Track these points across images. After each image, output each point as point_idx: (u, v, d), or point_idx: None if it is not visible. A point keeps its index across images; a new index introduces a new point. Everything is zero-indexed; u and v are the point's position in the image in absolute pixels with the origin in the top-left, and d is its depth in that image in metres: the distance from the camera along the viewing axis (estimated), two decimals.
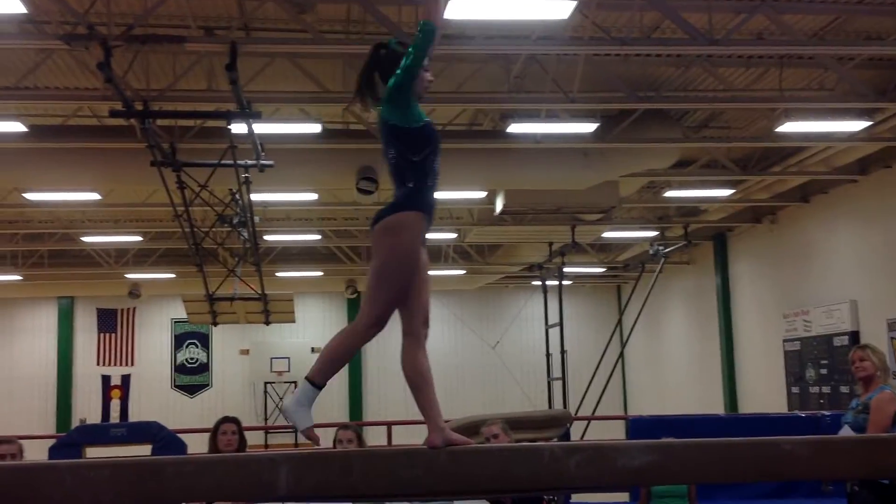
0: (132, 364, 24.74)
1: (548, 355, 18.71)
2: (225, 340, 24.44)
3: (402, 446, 3.79)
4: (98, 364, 24.60)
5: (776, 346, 16.97)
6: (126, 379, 24.63)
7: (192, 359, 25.06)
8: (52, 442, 10.77)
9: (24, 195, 14.22)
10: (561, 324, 17.50)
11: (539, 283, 19.89)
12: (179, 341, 25.04)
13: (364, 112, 3.63)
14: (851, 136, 12.37)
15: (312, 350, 24.64)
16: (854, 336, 14.35)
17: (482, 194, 15.28)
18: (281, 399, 24.14)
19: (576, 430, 13.56)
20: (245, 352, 24.25)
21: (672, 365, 22.53)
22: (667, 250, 18.02)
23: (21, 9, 8.08)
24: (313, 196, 15.18)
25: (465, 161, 12.78)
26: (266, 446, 21.60)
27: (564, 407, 16.69)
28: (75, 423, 21.61)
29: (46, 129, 12.03)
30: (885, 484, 5.59)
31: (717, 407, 18.99)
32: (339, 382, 25.05)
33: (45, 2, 8.95)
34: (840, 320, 14.97)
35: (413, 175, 3.58)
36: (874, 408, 5.87)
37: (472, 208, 17.04)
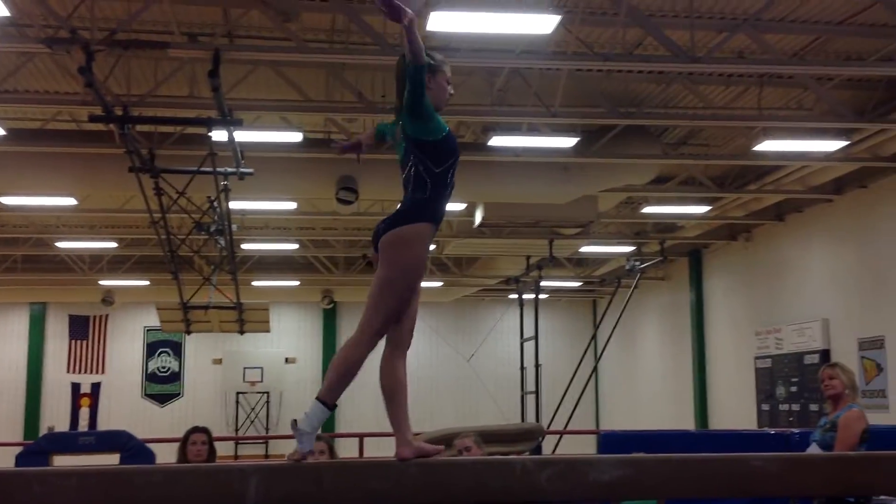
0: (103, 372, 24.49)
1: (522, 369, 18.72)
2: (197, 349, 24.26)
3: (374, 458, 3.77)
4: (68, 371, 24.33)
5: (748, 363, 17.10)
6: (96, 387, 24.38)
7: (163, 367, 24.85)
8: (19, 449, 10.63)
9: (0, 199, 14.07)
10: (536, 337, 17.52)
11: (515, 296, 19.93)
12: (151, 349, 24.82)
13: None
14: (828, 156, 12.52)
15: (287, 360, 24.57)
16: (825, 354, 14.48)
17: (461, 206, 15.29)
18: (252, 409, 24.00)
19: (548, 443, 13.58)
20: (218, 361, 24.09)
21: (645, 380, 22.62)
22: (643, 266, 18.12)
23: (4, 11, 8.02)
24: (292, 205, 15.13)
25: None
26: (237, 457, 21.46)
27: (537, 421, 16.69)
28: (43, 431, 21.37)
29: (25, 133, 11.93)
30: (851, 502, 5.62)
31: (688, 422, 19.08)
32: (312, 393, 24.72)
33: (27, 5, 8.88)
34: (811, 338, 15.10)
35: (431, 185, 3.57)
36: (842, 426, 5.89)
37: (451, 220, 17.04)
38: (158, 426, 22.29)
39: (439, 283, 21.94)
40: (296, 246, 19.09)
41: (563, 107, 10.77)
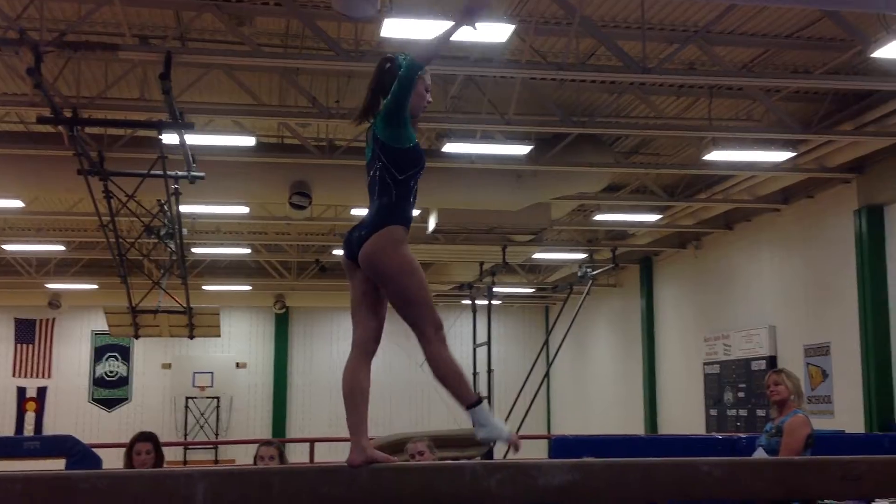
0: (49, 376, 24.06)
1: (475, 374, 18.75)
2: (146, 354, 23.96)
3: (325, 463, 3.76)
4: (13, 375, 23.85)
5: (696, 369, 17.32)
6: (42, 391, 23.94)
7: (111, 372, 24.49)
8: None
9: None
10: (489, 343, 17.57)
11: (468, 302, 19.96)
12: (99, 354, 24.45)
13: (356, 125, 3.56)
14: (776, 167, 12.74)
15: (237, 365, 24.36)
16: (772, 360, 14.71)
17: (415, 212, 15.30)
18: (202, 414, 23.75)
19: (500, 448, 13.63)
20: (167, 366, 23.81)
21: (596, 385, 22.81)
22: (594, 273, 18.24)
23: None
24: (244, 209, 15.02)
25: None
26: (185, 462, 21.23)
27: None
28: None
29: None
30: None
31: (638, 427, 19.27)
32: (262, 398, 24.77)
33: None
34: (759, 345, 15.35)
35: (395, 191, 3.57)
36: (787, 431, 5.97)
37: None
38: (106, 431, 21.96)
39: None
40: (248, 250, 18.96)
41: (516, 115, 10.85)
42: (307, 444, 14.23)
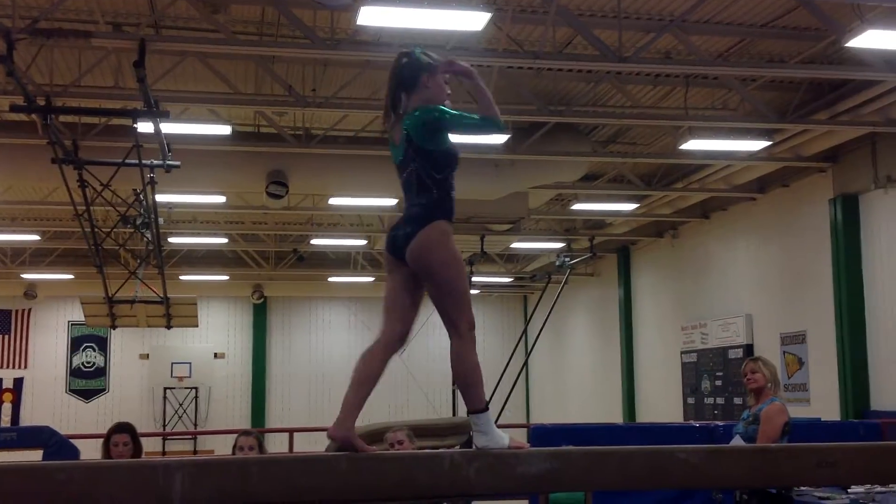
0: (25, 367, 23.87)
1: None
2: (124, 344, 23.82)
3: (303, 453, 3.75)
4: None
5: (674, 358, 17.42)
6: (19, 382, 23.75)
7: (88, 362, 24.33)
8: None
9: None
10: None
11: None
12: (76, 344, 24.27)
13: (388, 126, 3.54)
14: (752, 156, 12.80)
15: (216, 355, 24.27)
16: (748, 349, 14.81)
17: (393, 202, 15.27)
18: (180, 405, 23.66)
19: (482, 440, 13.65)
20: (144, 356, 23.70)
21: (574, 374, 22.89)
22: (572, 262, 18.30)
23: None
24: (221, 199, 14.94)
25: (377, 168, 12.76)
26: (164, 453, 21.14)
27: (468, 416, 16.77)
28: None
29: None
30: (772, 493, 5.76)
31: (616, 415, 19.36)
32: (241, 388, 24.70)
33: None
34: (735, 333, 15.45)
35: (436, 188, 3.57)
36: (764, 419, 6.01)
37: (383, 215, 17.01)
38: (83, 422, 21.83)
39: (371, 279, 21.91)
40: (225, 240, 18.86)
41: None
42: (286, 435, 14.19)
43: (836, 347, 12.72)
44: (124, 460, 5.58)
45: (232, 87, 10.61)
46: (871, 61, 9.45)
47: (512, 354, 18.89)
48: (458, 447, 8.82)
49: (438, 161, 3.58)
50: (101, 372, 24.35)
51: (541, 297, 18.80)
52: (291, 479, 3.36)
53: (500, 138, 11.89)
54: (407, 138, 3.59)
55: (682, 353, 17.16)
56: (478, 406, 3.54)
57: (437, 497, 4.98)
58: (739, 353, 14.99)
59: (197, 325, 20.29)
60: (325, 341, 25.44)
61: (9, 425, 21.89)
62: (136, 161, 10.86)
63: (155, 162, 10.98)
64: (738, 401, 14.87)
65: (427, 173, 3.57)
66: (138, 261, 16.17)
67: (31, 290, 21.83)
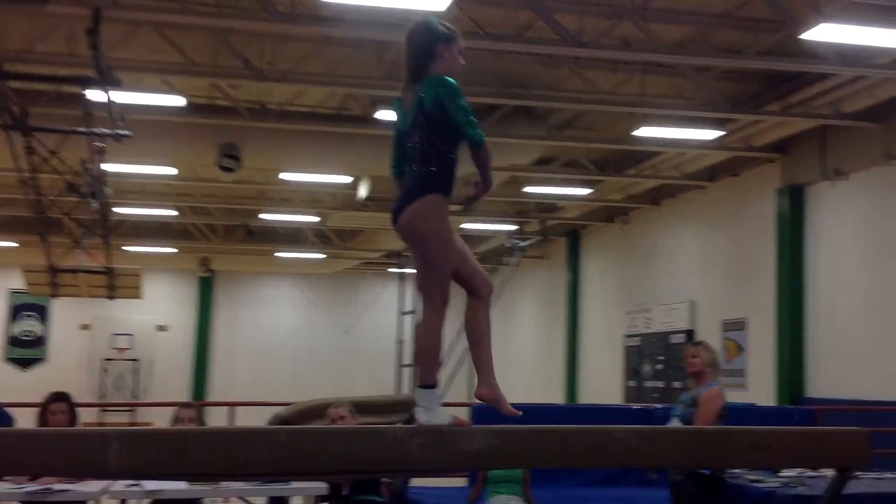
0: None
1: (400, 342, 18.82)
2: (65, 314, 23.39)
3: (244, 427, 3.74)
4: None
5: (618, 342, 17.65)
6: None
7: (27, 331, 23.90)
8: None
9: None
10: (415, 311, 17.64)
11: (397, 270, 19.97)
12: (15, 313, 23.83)
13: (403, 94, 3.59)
14: (704, 144, 12.98)
15: (159, 328, 24.00)
16: (690, 334, 15.05)
17: (347, 179, 15.22)
18: (120, 376, 23.35)
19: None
20: (86, 327, 23.35)
21: (520, 355, 23.07)
22: (523, 244, 18.40)
23: None
24: (172, 171, 14.74)
25: (331, 145, 12.71)
26: (102, 424, 20.87)
27: (413, 393, 16.84)
28: None
29: None
30: (705, 474, 5.88)
31: (559, 397, 19.58)
32: (183, 362, 24.46)
33: None
34: (678, 319, 15.69)
35: (437, 160, 3.61)
36: (702, 402, 6.13)
37: (336, 192, 16.94)
38: (20, 391, 21.30)
39: (321, 255, 21.81)
40: (174, 212, 18.62)
41: None
42: (227, 409, 14.06)
43: (774, 335, 12.99)
44: (60, 428, 5.53)
45: (187, 58, 10.45)
46: (825, 54, 9.62)
47: (458, 333, 19.00)
48: (400, 424, 8.86)
49: (446, 132, 3.62)
50: (41, 341, 23.95)
51: None
52: (231, 452, 3.35)
53: None
54: (419, 105, 3.63)
55: (625, 336, 17.39)
56: (428, 381, 3.59)
57: (379, 472, 5.02)
58: (681, 338, 15.23)
59: (141, 297, 20.04)
60: (271, 317, 25.31)
61: None
62: (86, 129, 10.68)
63: (105, 131, 10.78)
64: (677, 385, 15.12)
65: (432, 143, 3.61)
66: (83, 230, 15.90)
67: None
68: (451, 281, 3.69)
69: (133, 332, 23.39)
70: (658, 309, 16.34)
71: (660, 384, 16.12)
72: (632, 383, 17.11)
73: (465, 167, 3.75)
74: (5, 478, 5.25)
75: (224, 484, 5.55)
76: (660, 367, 16.21)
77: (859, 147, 11.79)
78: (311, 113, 12.99)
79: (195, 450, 3.31)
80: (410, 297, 18.04)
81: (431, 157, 3.61)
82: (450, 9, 8.57)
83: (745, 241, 14.16)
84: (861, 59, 9.59)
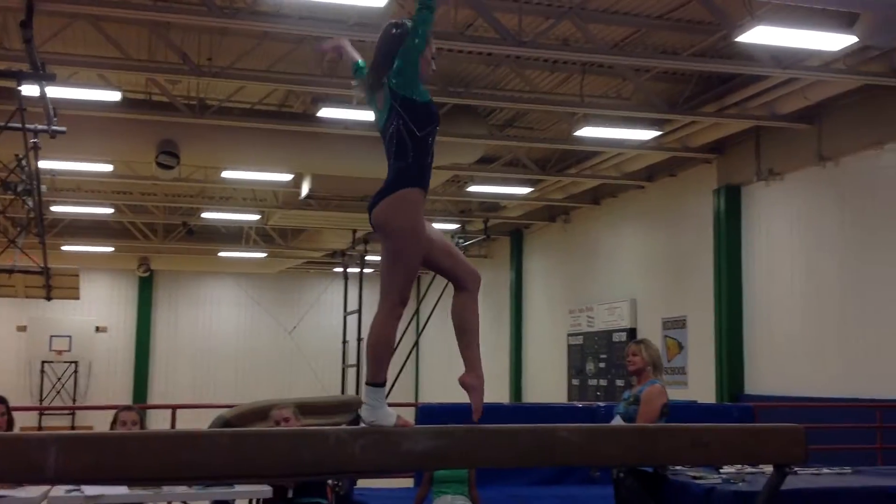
0: None
1: (344, 342, 18.76)
2: (0, 315, 22.88)
3: (185, 429, 3.69)
4: None
5: (561, 340, 17.78)
6: None
7: None
8: None
9: None
10: (360, 311, 17.59)
11: (340, 269, 19.90)
12: None
13: (368, 97, 3.59)
14: (642, 145, 13.13)
15: (97, 329, 23.58)
16: (632, 332, 15.21)
17: (288, 177, 15.10)
18: (59, 379, 22.93)
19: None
20: (22, 328, 22.84)
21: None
22: (466, 243, 18.47)
23: None
24: (108, 167, 14.49)
25: (272, 142, 12.60)
26: (41, 428, 20.45)
27: (358, 394, 16.79)
28: None
29: None
30: (648, 472, 5.94)
31: (503, 396, 19.66)
32: (123, 363, 24.09)
33: None
34: (620, 317, 15.86)
35: (413, 151, 3.63)
36: (644, 400, 6.17)
37: (277, 191, 16.80)
38: None
39: (263, 255, 21.62)
40: (111, 210, 18.30)
41: None
42: (169, 411, 13.87)
43: (714, 333, 13.20)
44: None
45: (123, 52, 10.29)
46: (759, 56, 9.80)
47: (403, 334, 18.97)
48: (345, 425, 8.82)
49: (419, 115, 3.64)
50: None
51: (433, 278, 18.90)
52: (172, 455, 3.31)
53: None
54: (390, 94, 3.66)
55: (569, 335, 17.52)
56: (376, 379, 3.59)
57: (323, 474, 4.97)
58: (623, 336, 15.40)
59: (78, 298, 19.70)
60: (213, 317, 25.03)
61: None
62: (20, 125, 10.44)
63: (39, 126, 10.56)
64: (620, 382, 15.29)
65: (408, 129, 3.63)
66: (18, 229, 15.56)
67: None
68: (421, 276, 3.73)
69: (71, 334, 22.94)
70: (600, 307, 16.49)
71: (603, 382, 16.28)
72: (576, 381, 17.25)
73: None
74: None
75: (166, 488, 5.46)
76: (603, 365, 16.36)
77: (793, 148, 12.03)
78: (251, 110, 12.87)
79: (136, 454, 3.28)
80: (355, 297, 18.01)
81: (407, 149, 3.64)
82: (389, 5, 8.57)
83: (683, 241, 14.36)
84: (794, 62, 9.78)
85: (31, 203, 12.92)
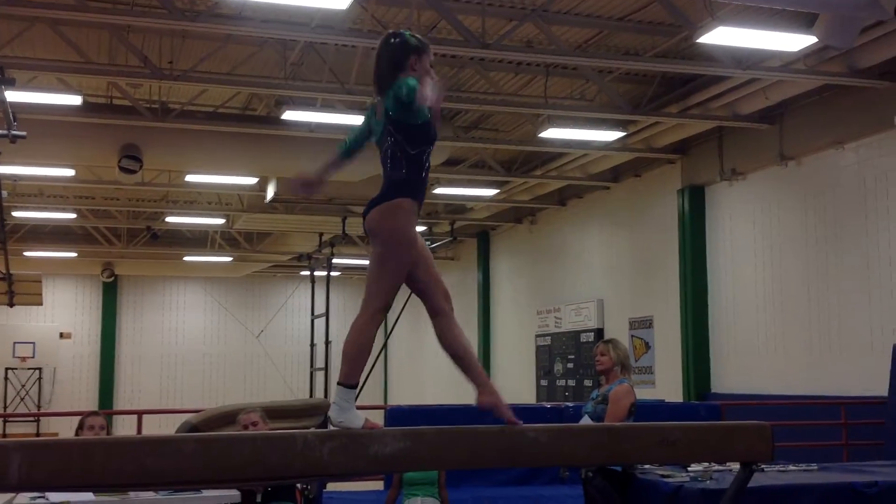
0: None
1: (312, 345, 18.68)
2: None
3: (151, 435, 3.65)
4: None
5: (529, 341, 17.83)
6: None
7: None
8: None
9: None
10: (327, 314, 17.52)
11: (307, 273, 19.81)
12: None
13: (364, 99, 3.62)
14: (607, 146, 13.20)
15: (62, 335, 23.29)
16: (599, 333, 15.27)
17: (253, 180, 15.02)
18: (23, 386, 22.64)
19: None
20: None
21: (432, 357, 23.09)
22: (433, 245, 18.46)
23: None
24: (70, 172, 14.32)
25: (237, 146, 12.52)
26: (5, 436, 20.18)
27: (326, 397, 16.72)
28: None
29: None
30: (617, 471, 5.97)
31: (472, 398, 19.63)
32: (88, 370, 23.83)
33: None
34: (588, 318, 15.93)
35: (407, 165, 3.64)
36: (612, 399, 6.19)
37: (243, 194, 16.69)
38: None
39: (229, 259, 21.48)
40: (73, 215, 18.09)
41: (358, 84, 10.77)
42: (135, 417, 13.74)
43: (680, 333, 13.29)
44: None
45: (83, 55, 10.18)
46: (720, 57, 9.88)
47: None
48: (313, 429, 8.77)
49: (413, 135, 3.65)
50: None
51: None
52: (138, 461, 3.26)
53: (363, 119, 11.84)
54: (385, 112, 3.67)
55: (536, 336, 17.57)
56: (348, 381, 3.60)
57: (291, 478, 4.95)
58: (591, 336, 15.46)
59: (41, 304, 19.50)
60: (179, 322, 24.82)
61: None
62: None
63: None
64: (588, 383, 15.36)
65: (401, 147, 3.64)
66: None
67: None
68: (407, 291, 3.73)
69: (35, 340, 22.65)
70: (568, 308, 16.55)
71: (571, 382, 16.34)
72: (544, 382, 17.30)
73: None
74: None
75: (132, 494, 5.39)
76: (571, 365, 16.43)
77: (755, 148, 12.16)
78: (214, 113, 12.78)
79: (101, 460, 3.22)
80: (322, 301, 17.93)
81: (401, 162, 3.65)
82: (352, 7, 8.55)
83: (649, 241, 14.45)
84: (754, 62, 9.88)
85: None
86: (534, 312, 17.71)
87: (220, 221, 18.44)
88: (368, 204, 3.69)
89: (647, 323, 14.42)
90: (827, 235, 11.11)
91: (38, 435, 20.98)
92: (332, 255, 17.94)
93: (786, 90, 10.77)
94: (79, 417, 6.24)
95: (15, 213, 16.82)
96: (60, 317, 23.45)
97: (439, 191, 16.39)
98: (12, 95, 9.72)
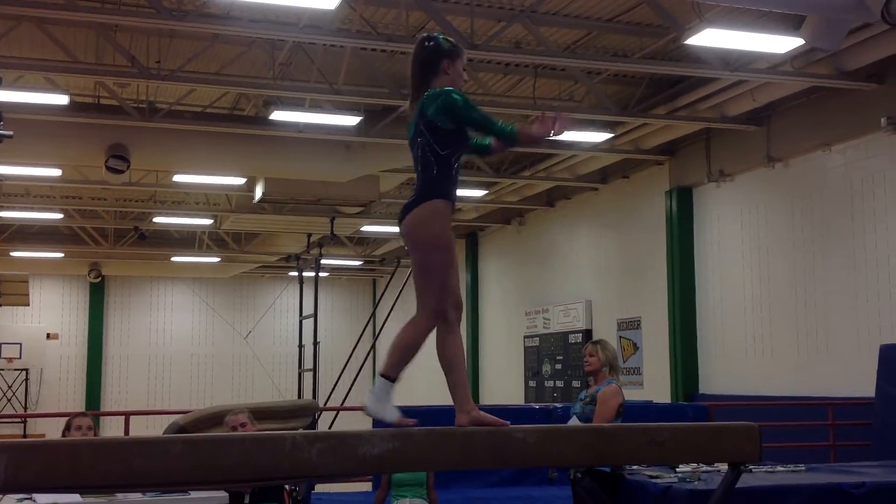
0: None
1: (300, 346, 18.62)
2: None
3: (138, 436, 3.64)
4: None
5: (517, 342, 17.84)
6: None
7: None
8: None
9: None
10: (315, 315, 17.46)
11: (295, 273, 19.75)
12: None
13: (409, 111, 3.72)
14: (595, 147, 13.21)
15: (48, 336, 23.20)
16: (587, 334, 15.29)
17: (241, 181, 14.98)
18: (9, 387, 22.51)
19: (325, 420, 13.61)
20: None
21: (421, 358, 23.05)
22: None
23: None
24: (57, 172, 14.25)
25: (225, 146, 12.49)
26: None
27: (314, 398, 16.68)
28: None
29: None
30: (605, 472, 5.98)
31: None
32: (75, 370, 23.73)
33: None
34: (576, 319, 15.95)
35: (438, 166, 3.69)
36: (600, 400, 6.20)
37: (231, 194, 16.65)
38: None
39: (217, 259, 21.42)
40: (60, 215, 18.01)
41: (346, 84, 10.76)
42: (122, 418, 13.68)
43: (668, 333, 13.31)
44: None
45: (70, 55, 10.12)
46: (708, 59, 9.91)
47: (360, 338, 18.90)
48: (301, 430, 8.75)
49: (445, 137, 3.70)
50: None
51: (390, 281, 18.89)
52: (126, 462, 3.25)
53: (352, 120, 11.84)
54: (420, 113, 3.72)
55: (525, 337, 17.58)
56: (389, 372, 3.75)
57: (279, 479, 4.93)
58: (579, 337, 15.48)
59: (28, 304, 19.41)
60: (167, 323, 24.75)
61: None
62: None
63: None
64: (576, 384, 15.37)
65: (431, 148, 3.69)
66: None
67: None
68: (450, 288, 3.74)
69: (21, 341, 22.53)
70: (556, 309, 16.56)
71: (560, 383, 16.35)
72: (532, 383, 17.31)
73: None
74: None
75: (120, 496, 5.37)
76: (559, 366, 16.44)
77: (742, 149, 12.19)
78: (202, 113, 12.74)
79: (88, 461, 3.20)
80: (311, 301, 17.88)
81: (433, 163, 3.70)
82: (340, 7, 8.53)
83: (637, 242, 14.47)
84: (742, 64, 9.91)
85: None
86: (522, 313, 17.72)
87: (208, 222, 18.39)
88: (404, 208, 3.75)
89: (635, 324, 14.44)
90: (814, 237, 11.15)
91: (24, 436, 20.86)
92: (321, 255, 17.88)
93: (773, 92, 10.81)
94: (66, 418, 6.21)
95: (1, 213, 16.75)
96: (47, 317, 23.34)
97: None
98: None
